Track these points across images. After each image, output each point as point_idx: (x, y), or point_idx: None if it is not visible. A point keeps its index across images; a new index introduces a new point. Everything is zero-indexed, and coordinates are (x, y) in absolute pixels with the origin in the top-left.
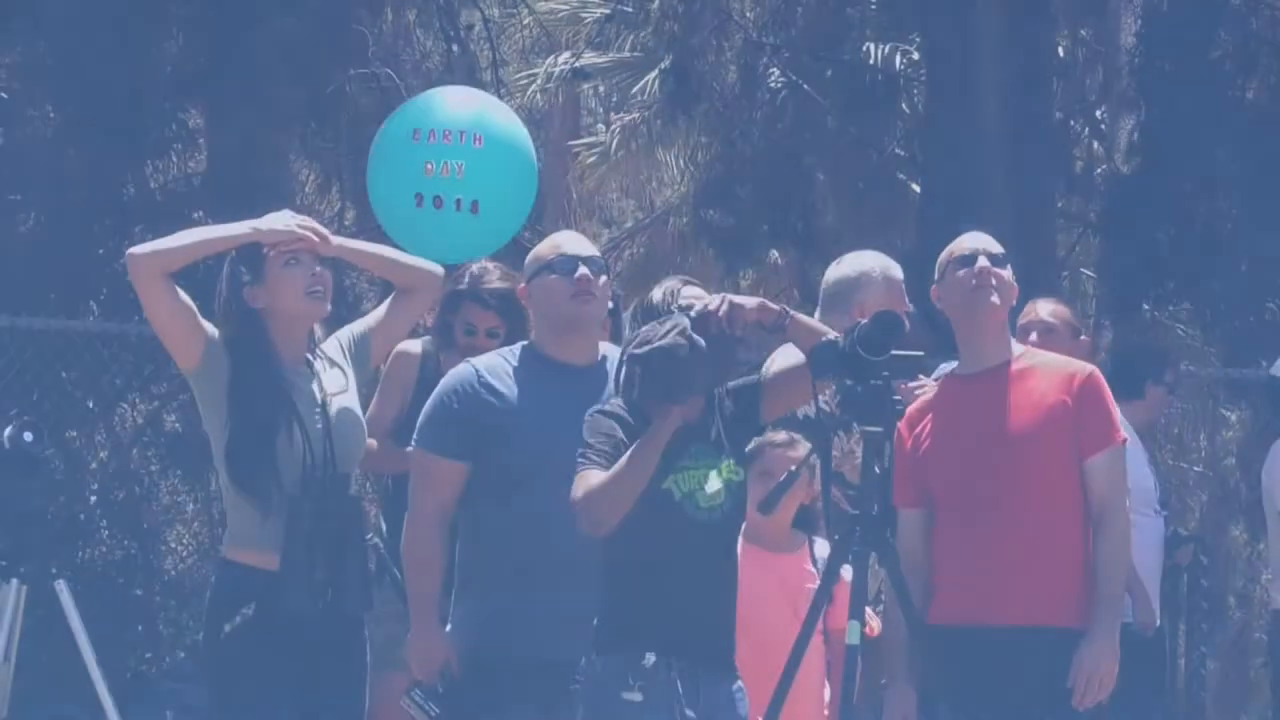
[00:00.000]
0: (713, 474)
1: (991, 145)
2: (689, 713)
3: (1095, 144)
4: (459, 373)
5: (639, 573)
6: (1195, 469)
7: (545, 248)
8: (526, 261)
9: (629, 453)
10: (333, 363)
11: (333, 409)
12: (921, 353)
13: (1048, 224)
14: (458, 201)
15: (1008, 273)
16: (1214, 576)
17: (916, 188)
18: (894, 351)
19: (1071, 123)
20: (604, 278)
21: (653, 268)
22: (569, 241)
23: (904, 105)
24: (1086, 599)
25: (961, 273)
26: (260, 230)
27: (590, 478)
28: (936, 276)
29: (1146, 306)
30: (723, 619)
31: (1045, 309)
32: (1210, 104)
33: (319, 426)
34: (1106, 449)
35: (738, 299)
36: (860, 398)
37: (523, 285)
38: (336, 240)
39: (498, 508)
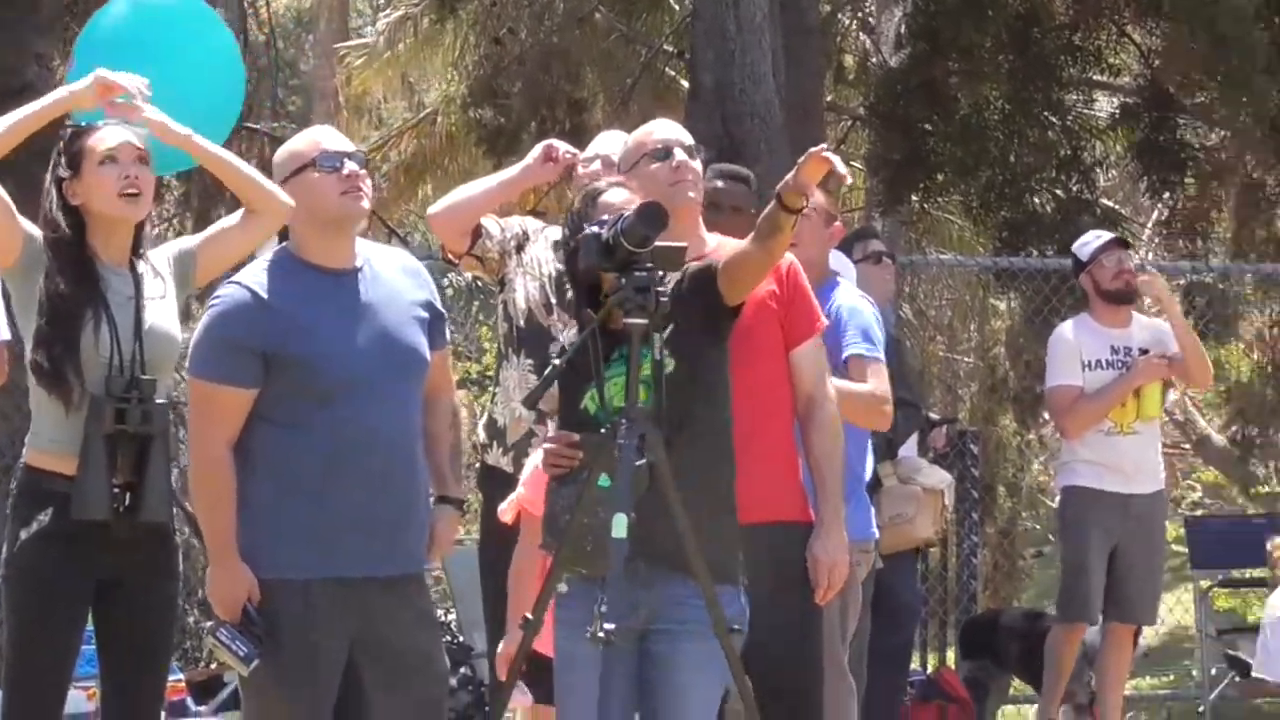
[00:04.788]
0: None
1: (758, 39)
2: (602, 609)
3: (863, 37)
4: (231, 295)
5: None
6: (966, 360)
7: (303, 144)
8: (280, 159)
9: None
10: (156, 271)
11: (146, 313)
12: (684, 244)
13: (816, 117)
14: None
15: (699, 164)
16: (983, 466)
17: (685, 83)
18: (657, 243)
19: (839, 16)
20: (366, 174)
21: (420, 167)
22: (329, 137)
23: (673, 1)
24: (803, 490)
25: (655, 166)
26: (74, 92)
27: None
28: (623, 167)
29: (915, 198)
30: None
31: None
32: None
33: (129, 328)
34: (811, 337)
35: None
36: (624, 290)
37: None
38: (159, 117)
39: (289, 429)
